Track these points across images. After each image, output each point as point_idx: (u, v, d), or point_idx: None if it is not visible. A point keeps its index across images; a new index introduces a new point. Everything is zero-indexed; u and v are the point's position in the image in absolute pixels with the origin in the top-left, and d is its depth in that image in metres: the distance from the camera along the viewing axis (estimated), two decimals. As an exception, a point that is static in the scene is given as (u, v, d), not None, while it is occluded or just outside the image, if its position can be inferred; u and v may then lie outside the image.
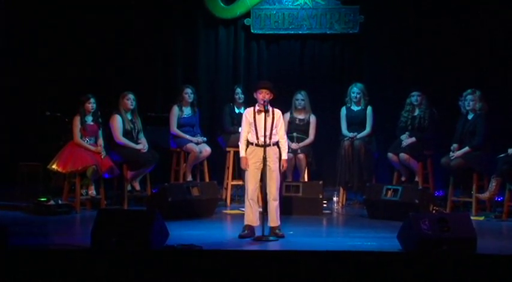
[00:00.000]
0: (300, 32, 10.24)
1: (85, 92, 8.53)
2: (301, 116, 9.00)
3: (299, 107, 8.98)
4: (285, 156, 6.80)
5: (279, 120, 6.77)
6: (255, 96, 6.75)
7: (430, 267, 5.44)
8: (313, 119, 8.99)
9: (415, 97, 8.75)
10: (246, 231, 6.65)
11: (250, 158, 6.69)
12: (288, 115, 8.90)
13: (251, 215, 6.65)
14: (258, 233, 6.57)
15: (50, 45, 10.04)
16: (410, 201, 7.60)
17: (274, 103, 6.81)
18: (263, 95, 6.66)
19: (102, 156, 8.33)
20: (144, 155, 8.52)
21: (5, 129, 10.04)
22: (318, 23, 10.18)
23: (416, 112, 8.78)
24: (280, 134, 6.76)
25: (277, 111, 6.78)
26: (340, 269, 5.43)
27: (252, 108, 6.80)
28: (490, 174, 7.97)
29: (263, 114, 6.62)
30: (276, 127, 6.71)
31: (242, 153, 6.75)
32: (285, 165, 6.83)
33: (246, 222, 6.68)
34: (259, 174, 6.65)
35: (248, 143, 6.77)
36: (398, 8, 10.03)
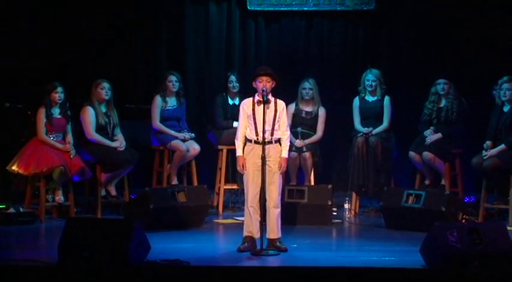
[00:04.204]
0: (306, 9, 10.25)
1: (51, 80, 8.52)
2: (308, 108, 9.00)
3: (306, 98, 8.98)
4: (285, 154, 6.71)
5: (282, 112, 6.74)
6: (254, 85, 6.72)
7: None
8: (322, 112, 8.99)
9: (441, 85, 8.75)
10: (246, 244, 6.64)
11: (249, 158, 6.66)
12: (292, 107, 8.91)
13: (251, 224, 6.62)
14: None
15: (10, 24, 9.99)
16: (436, 209, 7.60)
17: (276, 93, 6.79)
18: (263, 84, 6.63)
19: (72, 156, 8.32)
20: (121, 154, 8.51)
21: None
22: (327, -2, 10.21)
23: (443, 103, 8.78)
24: (282, 129, 6.74)
25: (281, 103, 6.76)
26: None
27: (250, 98, 6.78)
28: (530, 176, 8.01)
29: (263, 105, 6.60)
30: (278, 121, 6.69)
31: (239, 152, 6.71)
32: (284, 165, 6.70)
33: (245, 234, 6.66)
34: (260, 177, 6.60)
35: (246, 140, 6.75)
36: (422, -20, 10.06)
